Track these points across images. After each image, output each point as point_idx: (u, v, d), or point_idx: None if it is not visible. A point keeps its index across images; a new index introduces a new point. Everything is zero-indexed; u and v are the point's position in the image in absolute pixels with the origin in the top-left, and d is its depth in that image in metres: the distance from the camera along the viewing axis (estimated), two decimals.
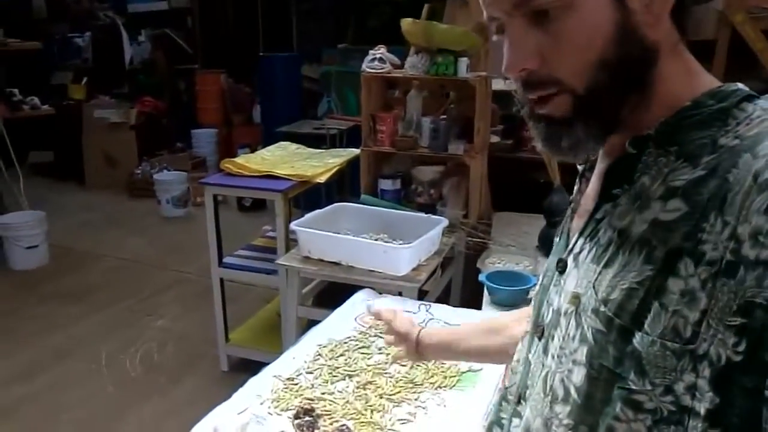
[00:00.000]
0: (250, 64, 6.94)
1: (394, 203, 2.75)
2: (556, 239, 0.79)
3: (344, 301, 2.04)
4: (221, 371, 3.06)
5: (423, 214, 2.49)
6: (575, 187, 0.79)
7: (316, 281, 2.61)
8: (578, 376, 0.65)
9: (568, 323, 0.67)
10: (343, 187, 3.36)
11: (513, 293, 1.98)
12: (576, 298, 0.66)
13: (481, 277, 2.06)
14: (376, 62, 2.63)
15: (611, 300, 0.61)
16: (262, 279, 2.93)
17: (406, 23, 2.55)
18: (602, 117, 0.64)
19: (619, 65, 0.61)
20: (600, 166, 0.73)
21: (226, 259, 2.97)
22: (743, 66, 4.48)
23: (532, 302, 0.82)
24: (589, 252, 0.67)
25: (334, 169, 2.87)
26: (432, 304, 1.99)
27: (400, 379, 1.58)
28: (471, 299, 2.83)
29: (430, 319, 1.88)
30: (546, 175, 2.85)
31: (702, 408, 0.56)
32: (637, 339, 0.59)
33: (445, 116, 2.79)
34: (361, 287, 2.09)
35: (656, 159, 0.63)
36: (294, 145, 3.46)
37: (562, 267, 0.72)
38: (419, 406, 1.48)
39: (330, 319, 1.90)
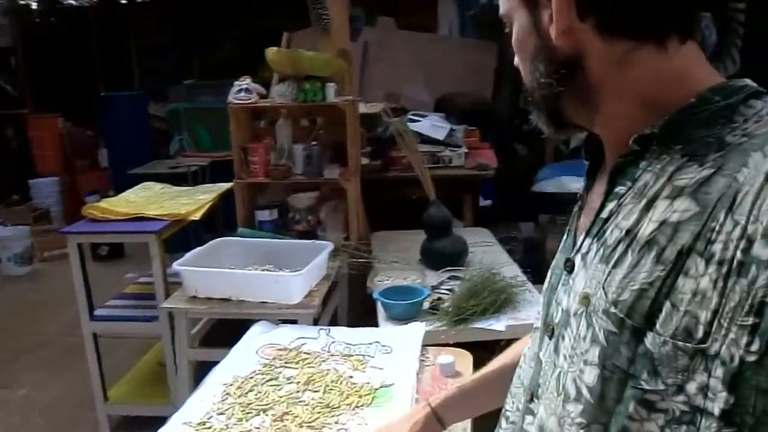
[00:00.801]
0: (90, 105, 6.57)
1: (274, 233, 2.72)
2: (564, 237, 0.81)
3: (234, 338, 1.98)
4: None
5: (307, 241, 2.49)
6: (583, 184, 0.81)
7: (202, 323, 2.51)
8: (590, 376, 0.65)
9: (579, 324, 0.68)
10: (215, 223, 3.26)
11: (408, 306, 2.02)
12: (586, 299, 0.67)
13: (375, 295, 2.09)
14: (242, 93, 2.60)
15: (621, 301, 0.62)
16: (142, 327, 2.77)
17: (271, 52, 2.55)
18: (545, 111, 0.72)
19: (544, 67, 0.69)
20: (608, 166, 0.73)
21: (98, 311, 2.77)
22: None
23: (541, 301, 0.82)
24: (596, 252, 0.68)
25: (208, 205, 2.79)
26: (330, 327, 1.99)
27: (316, 405, 1.56)
28: (360, 319, 2.85)
29: (333, 342, 1.87)
30: (417, 192, 2.94)
31: (716, 408, 0.55)
32: (649, 339, 0.59)
33: (315, 142, 2.81)
34: (253, 321, 2.04)
35: (659, 157, 0.64)
36: (159, 185, 3.32)
37: (570, 266, 0.73)
38: (341, 429, 1.47)
39: (230, 356, 1.84)
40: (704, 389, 0.56)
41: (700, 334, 0.56)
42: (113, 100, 6.20)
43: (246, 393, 1.64)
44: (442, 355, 1.67)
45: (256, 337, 1.93)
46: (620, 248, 0.64)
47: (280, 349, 1.84)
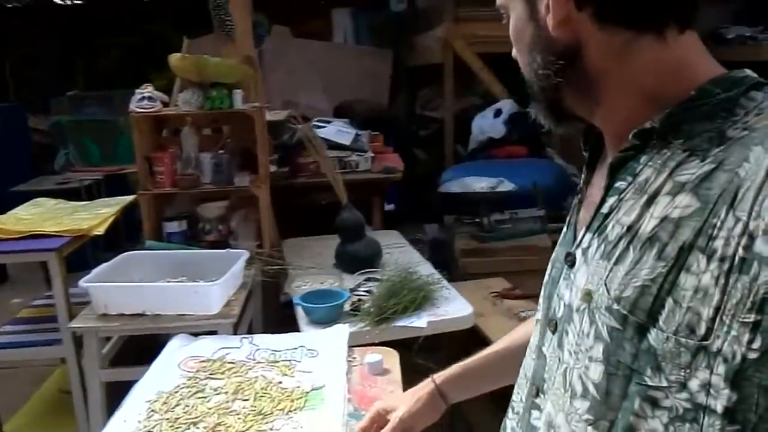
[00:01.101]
0: None
1: (183, 245, 2.65)
2: (564, 230, 0.81)
3: (147, 356, 1.91)
4: None
5: (221, 250, 2.44)
6: (582, 177, 0.81)
7: (111, 343, 2.40)
8: (595, 372, 0.65)
9: (582, 320, 0.67)
10: (117, 239, 3.13)
11: (330, 309, 2.03)
12: (588, 295, 0.66)
13: (296, 300, 2.08)
14: (145, 101, 2.52)
15: (624, 297, 0.61)
16: (43, 352, 2.59)
17: (175, 59, 2.49)
18: (544, 103, 0.73)
19: (542, 59, 0.69)
20: (607, 159, 0.73)
21: None
22: (466, 83, 5.11)
23: (542, 293, 0.82)
24: (597, 248, 0.67)
25: (111, 219, 2.68)
26: (253, 336, 1.97)
27: (249, 414, 1.54)
28: (275, 328, 2.82)
29: (257, 349, 1.85)
30: (326, 197, 2.96)
31: (719, 405, 0.55)
32: (652, 335, 0.59)
33: (223, 150, 2.77)
34: (169, 336, 1.98)
35: (660, 151, 0.64)
36: (52, 201, 3.15)
37: (571, 261, 0.72)
38: None
39: (150, 372, 1.77)
40: (707, 386, 0.56)
41: (702, 330, 0.56)
42: None
43: (173, 408, 1.59)
44: (369, 354, 1.70)
45: (176, 350, 1.87)
46: (621, 244, 0.64)
47: (203, 361, 1.79)
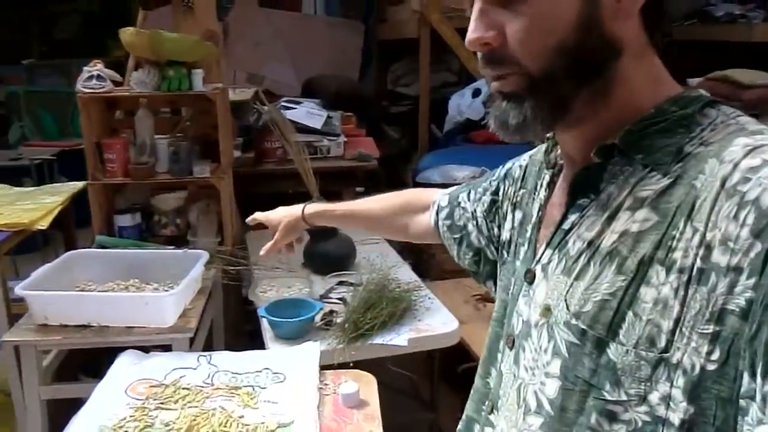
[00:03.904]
0: None
1: (137, 240, 2.41)
2: (523, 247, 0.79)
3: (95, 366, 1.70)
4: None
5: (177, 250, 2.20)
6: (543, 194, 0.78)
7: (54, 353, 2.16)
8: (551, 388, 0.65)
9: (540, 335, 0.67)
10: (69, 226, 2.87)
11: (298, 324, 1.82)
12: (547, 311, 0.66)
13: (261, 312, 1.86)
14: (94, 81, 2.24)
15: (584, 312, 0.61)
16: None
17: (127, 33, 2.21)
18: (552, 100, 0.64)
19: (577, 54, 0.62)
20: (566, 176, 0.72)
21: None
22: (439, 59, 4.89)
23: (495, 304, 0.83)
24: (558, 263, 0.67)
25: (56, 210, 2.42)
26: (211, 354, 1.76)
27: None
28: (238, 338, 2.62)
29: (216, 371, 1.65)
30: (295, 186, 2.73)
31: (676, 418, 0.55)
32: (612, 350, 0.59)
33: (181, 135, 2.52)
34: (119, 350, 1.76)
35: (622, 168, 0.63)
36: None
37: (530, 278, 0.72)
38: None
39: (93, 400, 1.55)
40: (667, 399, 0.56)
41: (662, 343, 0.56)
42: None
43: None
44: (343, 383, 1.50)
45: (125, 371, 1.66)
46: (582, 260, 0.64)
47: (153, 386, 1.59)
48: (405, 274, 2.20)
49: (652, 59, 0.65)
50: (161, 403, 1.51)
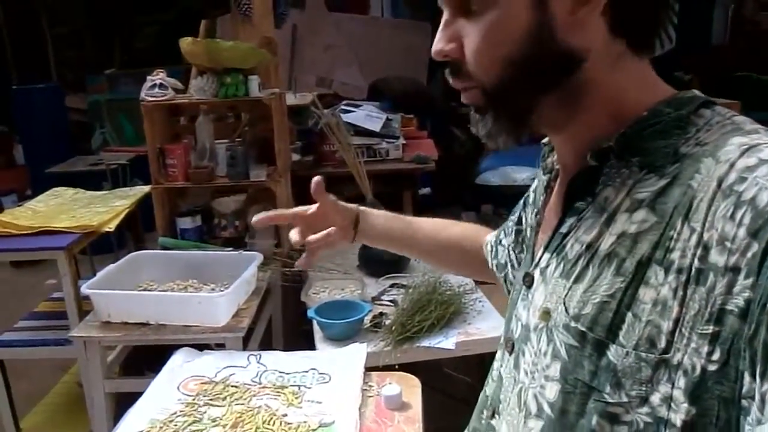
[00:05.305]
0: (2, 100, 6.09)
1: (198, 242, 2.49)
2: (522, 254, 0.80)
3: (159, 362, 1.77)
4: None
5: (233, 251, 2.27)
6: (540, 198, 0.79)
7: (118, 350, 2.26)
8: (552, 391, 0.64)
9: (539, 339, 0.67)
10: (136, 227, 3.00)
11: (347, 325, 1.83)
12: (546, 314, 0.66)
13: (310, 313, 1.89)
14: (156, 89, 2.34)
15: (583, 315, 0.61)
16: (55, 352, 2.49)
17: (185, 43, 2.30)
18: (509, 111, 0.64)
19: (525, 65, 0.61)
20: (562, 180, 0.72)
21: (4, 336, 2.49)
22: None
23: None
24: (556, 267, 0.67)
25: (123, 213, 2.54)
26: (261, 353, 1.79)
27: None
28: (296, 337, 2.65)
29: (264, 371, 1.68)
30: (354, 189, 2.75)
31: (678, 419, 0.55)
32: (612, 351, 0.59)
33: (240, 140, 2.58)
34: (177, 346, 1.83)
35: (618, 171, 0.63)
36: (71, 191, 3.03)
37: (529, 281, 0.72)
38: None
39: (148, 394, 1.62)
40: (668, 400, 0.55)
41: (662, 344, 0.55)
42: (26, 93, 5.71)
43: None
44: (387, 385, 1.51)
45: (179, 367, 1.72)
46: (581, 263, 0.63)
47: (204, 383, 1.63)
48: (457, 277, 2.18)
49: (636, 64, 0.64)
50: (210, 400, 1.55)
